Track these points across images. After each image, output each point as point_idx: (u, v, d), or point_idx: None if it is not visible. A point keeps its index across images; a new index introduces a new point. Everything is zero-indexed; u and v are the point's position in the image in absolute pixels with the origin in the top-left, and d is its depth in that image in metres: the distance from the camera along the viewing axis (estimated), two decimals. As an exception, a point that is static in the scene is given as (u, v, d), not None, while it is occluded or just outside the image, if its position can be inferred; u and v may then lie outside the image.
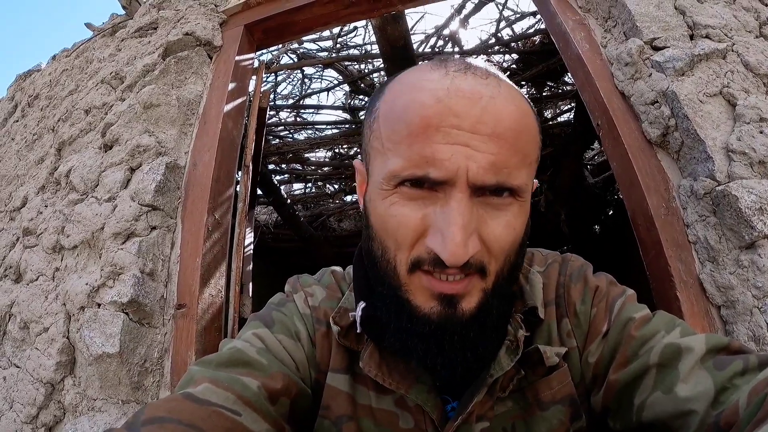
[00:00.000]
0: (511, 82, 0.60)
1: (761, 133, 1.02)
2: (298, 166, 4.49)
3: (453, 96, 0.53)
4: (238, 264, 1.76)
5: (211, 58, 1.88)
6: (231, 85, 1.79)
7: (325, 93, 3.95)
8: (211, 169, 1.61)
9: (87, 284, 1.43)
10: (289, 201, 4.58)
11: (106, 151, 1.65)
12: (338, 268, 0.82)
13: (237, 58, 1.85)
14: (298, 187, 5.19)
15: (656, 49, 1.25)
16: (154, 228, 1.51)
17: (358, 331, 0.66)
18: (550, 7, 1.57)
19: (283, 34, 2.06)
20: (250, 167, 1.97)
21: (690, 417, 0.53)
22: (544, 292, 0.71)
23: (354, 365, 0.68)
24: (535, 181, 0.64)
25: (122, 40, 1.97)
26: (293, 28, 2.00)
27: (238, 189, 1.86)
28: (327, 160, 4.43)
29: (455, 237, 0.51)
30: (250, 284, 2.06)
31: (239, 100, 1.88)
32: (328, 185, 4.87)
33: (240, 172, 1.90)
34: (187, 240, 1.53)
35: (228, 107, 1.76)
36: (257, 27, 1.96)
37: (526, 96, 0.63)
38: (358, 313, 0.65)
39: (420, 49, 3.62)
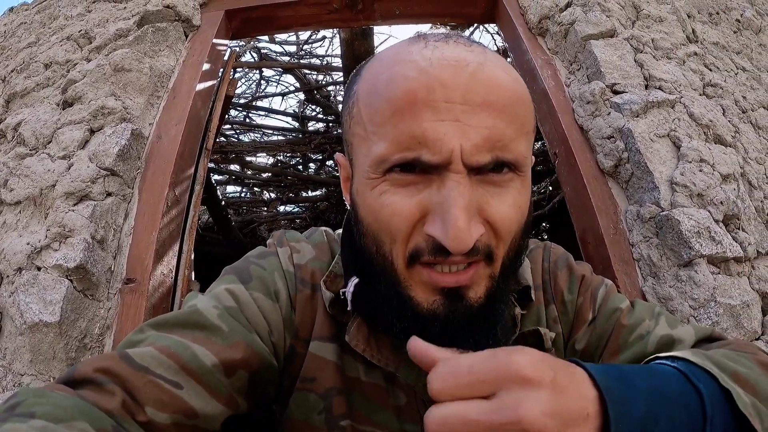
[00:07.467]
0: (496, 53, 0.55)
1: (701, 171, 1.19)
2: (238, 168, 4.39)
3: (437, 65, 0.48)
4: (189, 247, 1.71)
5: (186, 36, 1.85)
6: (205, 66, 1.76)
7: (279, 98, 3.94)
8: (177, 143, 1.56)
9: (28, 244, 1.32)
10: (223, 203, 4.45)
11: (64, 108, 1.56)
12: (329, 229, 0.75)
13: (215, 40, 1.84)
14: (231, 190, 5.05)
15: (616, 92, 1.42)
16: (109, 194, 1.43)
17: (348, 308, 0.60)
18: (522, 45, 1.72)
19: (260, 26, 2.07)
20: (211, 151, 1.93)
21: None
22: (532, 276, 0.70)
23: (342, 333, 0.62)
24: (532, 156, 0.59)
25: (93, 2, 1.89)
26: (273, 23, 2.02)
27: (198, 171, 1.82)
28: (268, 165, 4.38)
29: (457, 220, 0.45)
30: (192, 272, 1.99)
31: (210, 82, 1.86)
32: (265, 192, 4.79)
33: (201, 155, 1.86)
34: (143, 212, 1.47)
35: (200, 86, 1.73)
36: (237, 15, 1.95)
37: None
38: (350, 288, 0.59)
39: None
